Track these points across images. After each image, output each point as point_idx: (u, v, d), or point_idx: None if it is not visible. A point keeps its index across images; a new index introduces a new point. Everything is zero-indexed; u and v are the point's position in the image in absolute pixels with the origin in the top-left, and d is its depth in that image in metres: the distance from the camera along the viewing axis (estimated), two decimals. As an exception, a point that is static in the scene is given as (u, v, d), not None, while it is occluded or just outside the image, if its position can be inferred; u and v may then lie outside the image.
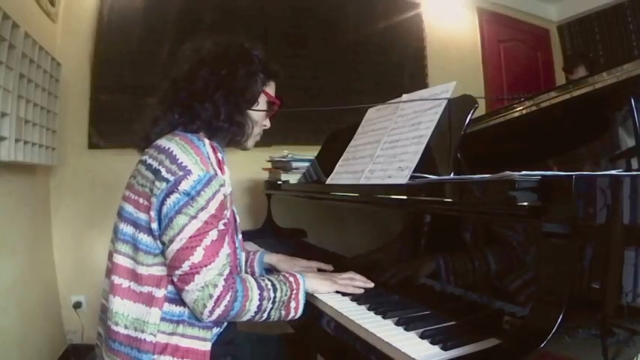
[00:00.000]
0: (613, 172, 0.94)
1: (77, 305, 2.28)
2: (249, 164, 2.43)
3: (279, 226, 1.99)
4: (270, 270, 1.33)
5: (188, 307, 0.93)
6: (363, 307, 0.98)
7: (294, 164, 1.99)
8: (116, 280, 0.95)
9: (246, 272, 1.28)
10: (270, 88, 1.14)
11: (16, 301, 1.77)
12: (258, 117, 1.12)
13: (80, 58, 2.37)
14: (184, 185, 0.89)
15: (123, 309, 0.93)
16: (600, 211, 0.74)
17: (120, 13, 2.43)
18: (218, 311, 0.90)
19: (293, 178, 1.96)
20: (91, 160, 2.38)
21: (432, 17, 3.40)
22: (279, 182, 1.99)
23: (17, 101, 1.66)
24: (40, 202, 2.17)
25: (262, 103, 1.12)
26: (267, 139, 2.75)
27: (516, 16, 3.91)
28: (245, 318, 0.95)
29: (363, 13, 3.10)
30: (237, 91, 1.03)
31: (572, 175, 0.69)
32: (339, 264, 1.28)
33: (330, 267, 1.29)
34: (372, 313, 0.94)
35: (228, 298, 0.90)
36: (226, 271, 0.92)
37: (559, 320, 0.64)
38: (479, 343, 0.73)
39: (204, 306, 0.89)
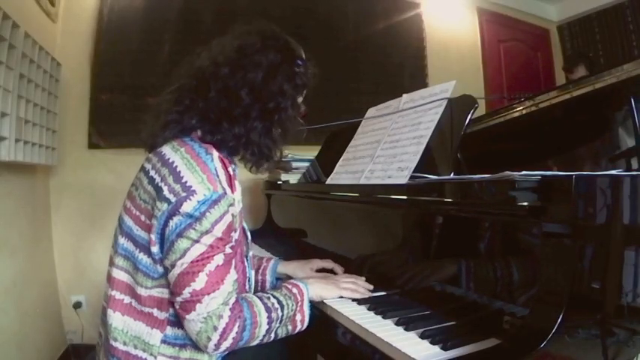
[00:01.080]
0: (613, 172, 0.94)
1: (77, 305, 2.28)
2: (250, 164, 2.44)
3: (279, 226, 1.99)
4: (283, 279, 1.23)
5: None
6: (363, 307, 0.98)
7: (294, 164, 1.99)
8: (117, 295, 0.90)
9: (256, 280, 1.21)
10: (300, 98, 1.02)
11: (16, 301, 1.77)
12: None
13: (80, 58, 2.37)
14: (186, 207, 0.81)
15: (123, 325, 0.88)
16: (600, 211, 0.74)
17: (120, 13, 2.43)
18: (225, 344, 0.83)
19: (293, 178, 1.96)
20: (91, 160, 2.38)
21: (432, 17, 3.40)
22: (279, 182, 1.99)
23: (17, 101, 1.66)
24: (40, 202, 2.17)
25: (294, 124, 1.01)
26: (267, 139, 2.75)
27: (516, 16, 3.90)
28: (254, 344, 0.89)
29: (363, 13, 3.10)
30: (279, 122, 0.93)
31: (572, 175, 0.69)
32: (339, 264, 1.28)
33: (342, 268, 1.23)
34: (372, 313, 0.94)
35: (235, 329, 0.83)
36: (232, 300, 0.84)
37: (559, 320, 0.64)
38: (479, 343, 0.73)
39: (209, 339, 0.81)
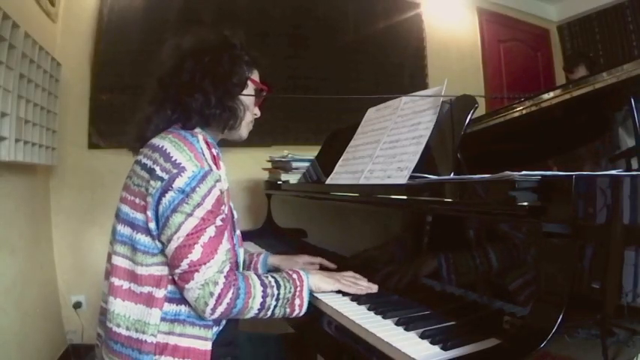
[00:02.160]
0: (613, 172, 0.94)
1: (77, 305, 2.28)
2: (249, 164, 2.44)
3: (279, 226, 1.99)
4: (274, 271, 1.31)
5: (190, 306, 0.93)
6: (363, 307, 0.98)
7: (294, 164, 1.99)
8: (116, 282, 0.94)
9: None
10: (255, 76, 1.14)
11: (16, 301, 1.77)
12: (248, 102, 1.11)
13: (80, 58, 2.38)
14: (178, 183, 0.89)
15: (124, 311, 0.92)
16: (600, 211, 0.74)
17: (120, 13, 2.43)
18: (220, 309, 0.90)
19: (293, 178, 1.96)
20: (91, 160, 2.38)
21: (432, 17, 3.40)
22: (279, 182, 1.99)
23: (17, 101, 1.66)
24: (40, 202, 2.17)
25: (250, 90, 1.11)
26: (267, 139, 2.78)
27: (516, 16, 3.91)
28: (248, 315, 0.95)
29: (363, 13, 3.10)
30: (223, 76, 1.03)
31: (572, 175, 0.69)
32: (339, 264, 1.28)
33: (334, 266, 1.28)
34: (372, 313, 0.94)
35: (230, 295, 0.90)
36: (226, 268, 0.92)
37: (559, 320, 0.64)
38: (479, 343, 0.73)
39: (206, 304, 0.89)
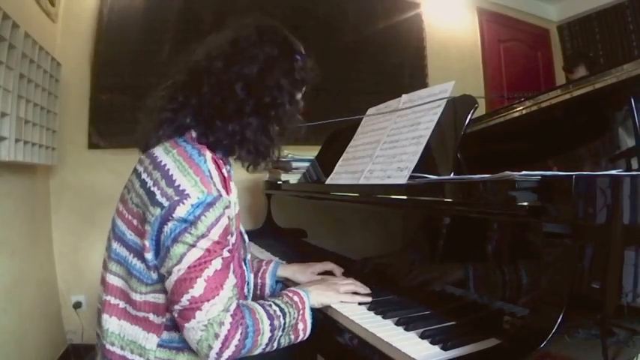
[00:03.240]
0: (613, 172, 0.94)
1: (77, 305, 2.28)
2: (249, 164, 2.44)
3: (279, 226, 1.99)
4: (284, 282, 1.22)
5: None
6: (363, 307, 0.98)
7: (294, 164, 1.99)
8: (112, 300, 0.88)
9: (255, 283, 1.18)
10: (300, 96, 0.98)
11: (15, 300, 1.77)
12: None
13: (80, 58, 2.37)
14: (180, 211, 0.78)
15: (119, 330, 0.87)
16: (600, 211, 0.74)
17: (120, 13, 2.43)
18: (228, 352, 0.79)
19: (293, 178, 1.96)
20: (91, 160, 2.38)
21: (432, 17, 3.40)
22: (279, 182, 1.99)
23: (17, 101, 1.66)
24: (40, 202, 2.17)
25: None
26: (267, 139, 2.75)
27: (516, 16, 3.90)
28: (255, 352, 0.85)
29: (363, 13, 3.10)
30: (276, 119, 0.90)
31: (572, 175, 0.69)
32: (339, 264, 1.28)
33: (340, 270, 1.21)
34: (372, 313, 0.94)
35: (238, 336, 0.80)
36: (233, 306, 0.81)
37: (559, 320, 0.64)
38: (479, 343, 0.73)
39: (210, 347, 0.78)
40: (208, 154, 0.87)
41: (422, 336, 0.79)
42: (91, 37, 2.40)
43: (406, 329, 0.83)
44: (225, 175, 0.90)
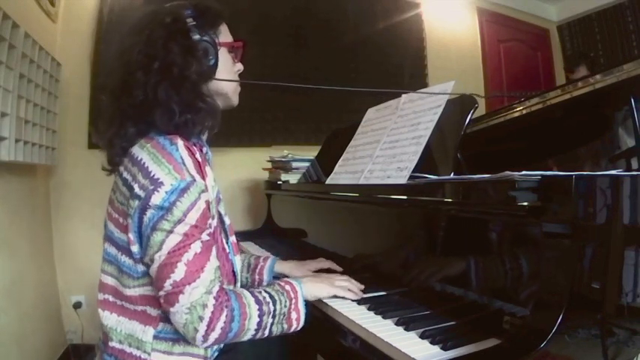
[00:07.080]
0: (613, 172, 0.94)
1: (77, 305, 2.28)
2: (249, 164, 2.44)
3: (279, 226, 1.99)
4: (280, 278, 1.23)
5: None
6: (363, 307, 0.98)
7: (294, 164, 1.99)
8: (110, 298, 0.91)
9: (252, 279, 1.22)
10: (224, 35, 0.99)
11: (15, 300, 1.77)
12: (225, 69, 0.98)
13: (80, 58, 2.37)
14: (155, 199, 0.80)
15: (117, 325, 0.89)
16: (600, 211, 0.74)
17: (120, 13, 2.42)
18: (214, 335, 0.81)
19: (293, 178, 1.96)
20: (91, 160, 2.37)
21: (432, 17, 3.40)
22: (279, 182, 1.99)
23: (17, 101, 1.66)
24: (40, 202, 2.17)
25: (223, 53, 0.98)
26: (267, 139, 2.77)
27: (516, 16, 3.91)
28: (245, 338, 0.87)
29: (363, 13, 3.10)
30: (181, 77, 0.89)
31: (572, 175, 0.69)
32: (339, 264, 1.28)
33: (339, 269, 1.23)
34: (372, 313, 0.94)
35: (223, 318, 0.81)
36: (215, 288, 0.82)
37: (559, 320, 0.64)
38: (479, 343, 0.73)
39: (196, 330, 0.79)
40: (180, 142, 0.88)
41: (422, 336, 0.79)
42: (91, 37, 2.40)
43: (406, 329, 0.83)
44: (199, 159, 0.90)
